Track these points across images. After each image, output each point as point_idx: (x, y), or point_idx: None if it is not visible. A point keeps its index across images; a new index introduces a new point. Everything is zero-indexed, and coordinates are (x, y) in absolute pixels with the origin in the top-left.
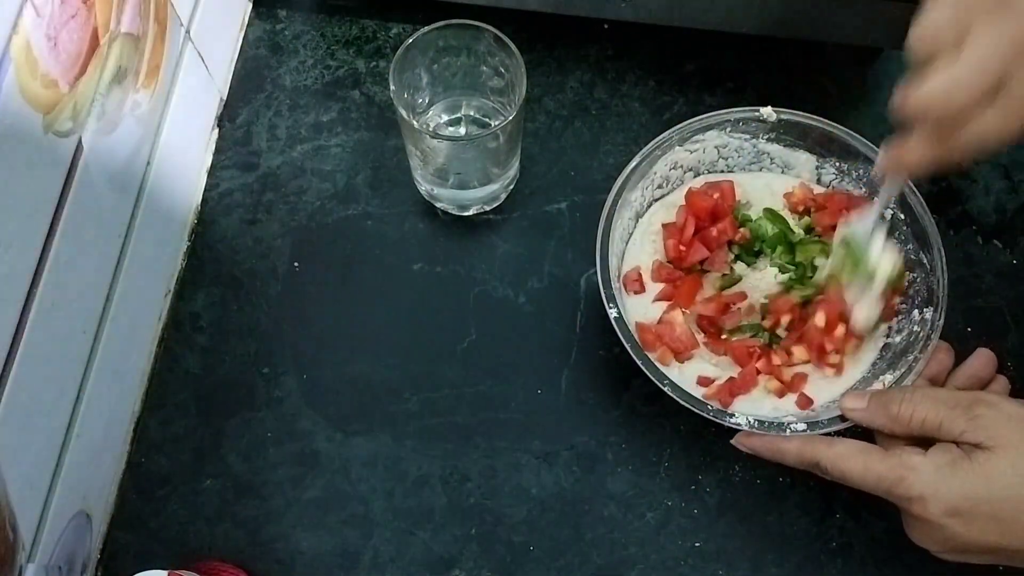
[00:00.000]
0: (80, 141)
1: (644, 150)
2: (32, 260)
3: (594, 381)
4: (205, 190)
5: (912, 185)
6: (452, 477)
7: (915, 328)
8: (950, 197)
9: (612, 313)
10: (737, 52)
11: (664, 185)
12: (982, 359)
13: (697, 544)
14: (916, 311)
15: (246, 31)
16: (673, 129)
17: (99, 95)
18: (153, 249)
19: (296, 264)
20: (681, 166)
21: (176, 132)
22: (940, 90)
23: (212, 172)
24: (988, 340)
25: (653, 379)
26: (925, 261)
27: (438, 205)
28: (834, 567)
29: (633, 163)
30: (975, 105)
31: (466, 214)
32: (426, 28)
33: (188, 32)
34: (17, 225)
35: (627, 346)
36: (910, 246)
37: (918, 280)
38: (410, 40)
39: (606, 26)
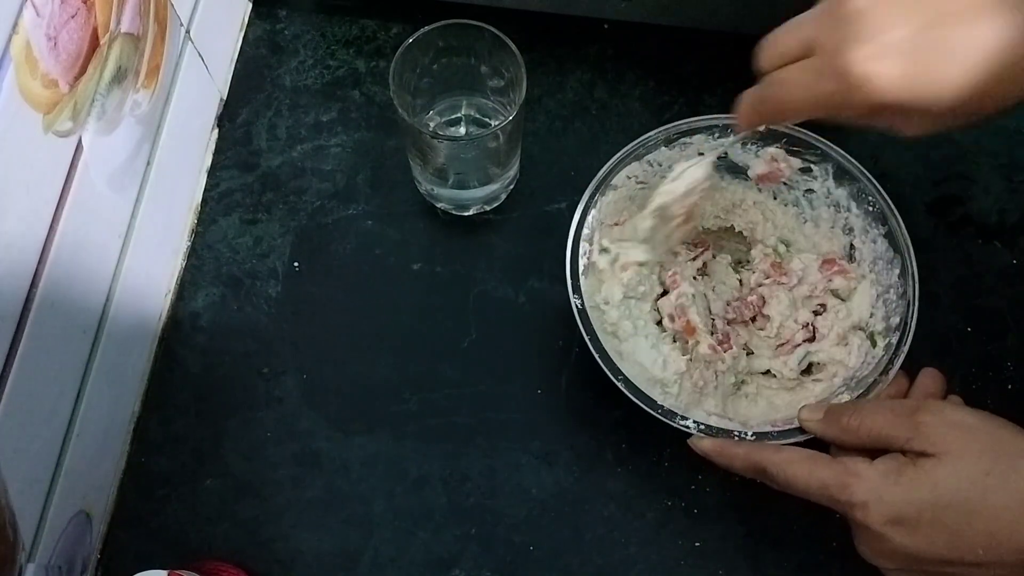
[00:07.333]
0: (80, 141)
1: (626, 148)
2: (32, 260)
3: (594, 381)
4: (205, 190)
5: (898, 218)
6: (452, 477)
7: (880, 352)
8: (950, 198)
9: (576, 303)
10: (737, 52)
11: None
12: (928, 377)
13: (697, 544)
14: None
15: (246, 31)
16: (659, 129)
17: (99, 95)
18: (153, 248)
19: (296, 264)
20: (661, 166)
21: (176, 132)
22: (765, 41)
23: (212, 172)
24: (988, 340)
25: (608, 374)
26: (904, 289)
27: (438, 205)
28: (834, 567)
29: (611, 162)
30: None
31: (466, 214)
32: (426, 28)
33: (188, 32)
34: (17, 225)
35: (586, 338)
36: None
37: (893, 302)
38: (410, 40)
39: (606, 26)
